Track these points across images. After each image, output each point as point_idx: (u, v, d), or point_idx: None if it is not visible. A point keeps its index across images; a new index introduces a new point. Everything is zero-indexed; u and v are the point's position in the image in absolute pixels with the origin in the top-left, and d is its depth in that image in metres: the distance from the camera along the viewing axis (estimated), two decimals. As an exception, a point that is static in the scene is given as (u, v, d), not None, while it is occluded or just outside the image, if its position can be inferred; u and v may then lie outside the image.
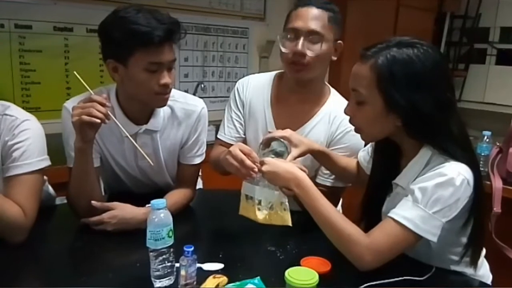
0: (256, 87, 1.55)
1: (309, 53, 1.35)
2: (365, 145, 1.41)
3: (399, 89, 1.01)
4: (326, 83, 1.55)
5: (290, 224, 1.17)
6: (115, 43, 1.21)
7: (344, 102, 1.48)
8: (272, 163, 1.15)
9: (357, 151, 1.45)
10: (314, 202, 1.08)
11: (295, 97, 1.47)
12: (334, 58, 1.44)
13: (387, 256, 1.01)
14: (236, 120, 1.56)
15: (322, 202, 1.08)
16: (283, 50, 1.39)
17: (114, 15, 1.23)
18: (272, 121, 1.49)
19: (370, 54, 1.05)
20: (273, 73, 1.59)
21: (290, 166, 1.14)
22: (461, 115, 1.08)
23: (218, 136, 1.58)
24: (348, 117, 1.43)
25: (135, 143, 1.26)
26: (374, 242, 1.01)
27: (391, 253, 1.02)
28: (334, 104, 1.47)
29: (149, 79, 1.23)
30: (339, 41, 1.43)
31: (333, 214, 1.06)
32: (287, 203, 1.17)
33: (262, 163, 1.16)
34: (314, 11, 1.36)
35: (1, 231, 1.14)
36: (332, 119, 1.46)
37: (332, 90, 1.54)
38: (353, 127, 1.42)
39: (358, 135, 1.44)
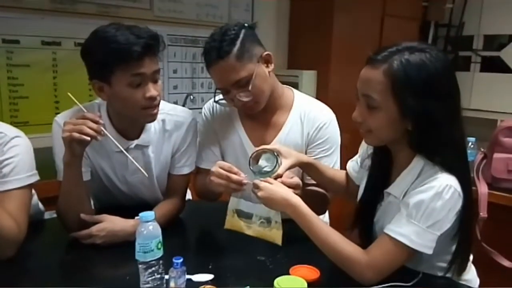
0: (222, 109, 1.52)
1: (247, 99, 1.34)
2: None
3: (415, 94, 0.99)
4: (287, 86, 1.53)
5: (280, 243, 1.17)
6: (97, 64, 1.23)
7: (309, 99, 1.53)
8: (268, 189, 1.14)
9: (336, 142, 1.47)
10: (312, 226, 1.09)
11: (263, 111, 1.44)
12: (271, 69, 1.39)
13: (387, 271, 1.04)
14: (212, 145, 1.53)
15: (319, 225, 1.09)
16: (228, 103, 1.41)
17: (94, 36, 1.24)
18: (247, 139, 1.47)
19: (380, 59, 1.02)
20: None
21: (285, 193, 1.13)
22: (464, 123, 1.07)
23: (197, 165, 1.54)
24: (319, 112, 1.46)
25: (130, 157, 1.27)
26: (373, 260, 1.03)
27: (390, 268, 1.04)
28: (301, 105, 1.48)
29: (134, 94, 1.23)
30: (265, 53, 1.37)
31: (331, 235, 1.08)
32: (280, 222, 1.18)
33: (257, 187, 1.15)
34: (222, 64, 1.29)
35: None
36: (303, 120, 1.46)
37: (295, 92, 1.53)
38: (325, 121, 1.45)
39: (334, 127, 1.47)
